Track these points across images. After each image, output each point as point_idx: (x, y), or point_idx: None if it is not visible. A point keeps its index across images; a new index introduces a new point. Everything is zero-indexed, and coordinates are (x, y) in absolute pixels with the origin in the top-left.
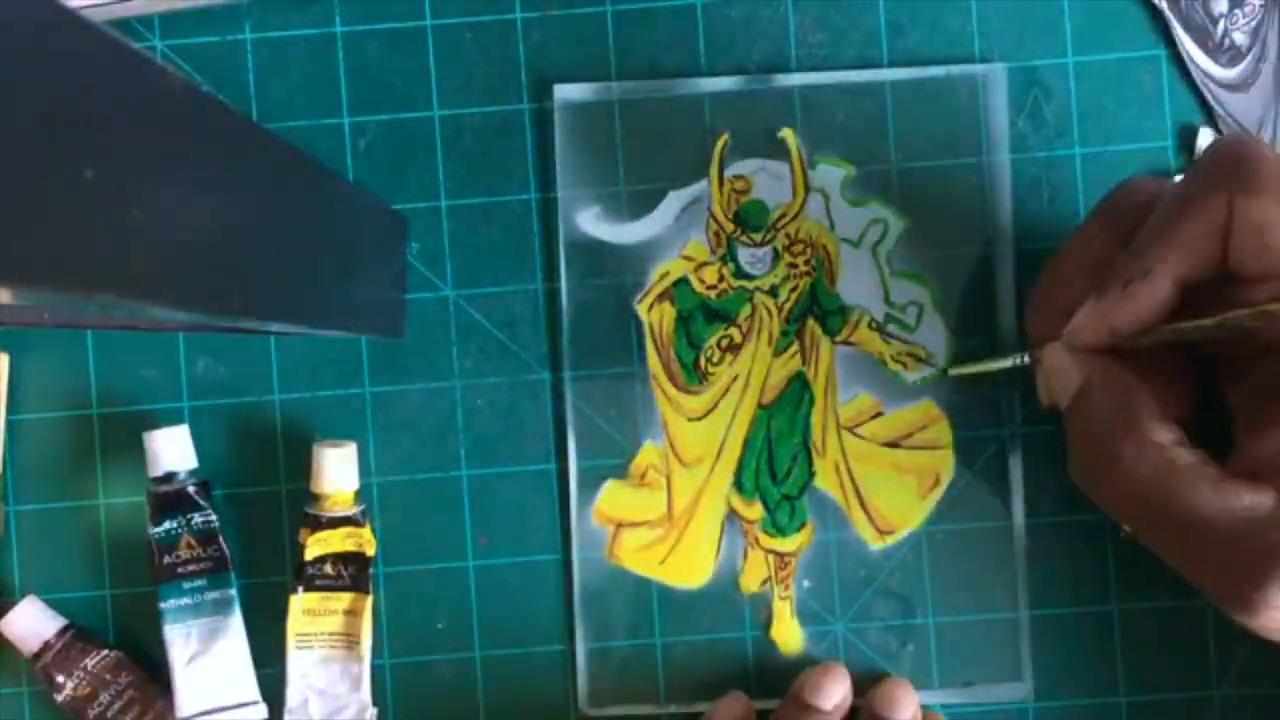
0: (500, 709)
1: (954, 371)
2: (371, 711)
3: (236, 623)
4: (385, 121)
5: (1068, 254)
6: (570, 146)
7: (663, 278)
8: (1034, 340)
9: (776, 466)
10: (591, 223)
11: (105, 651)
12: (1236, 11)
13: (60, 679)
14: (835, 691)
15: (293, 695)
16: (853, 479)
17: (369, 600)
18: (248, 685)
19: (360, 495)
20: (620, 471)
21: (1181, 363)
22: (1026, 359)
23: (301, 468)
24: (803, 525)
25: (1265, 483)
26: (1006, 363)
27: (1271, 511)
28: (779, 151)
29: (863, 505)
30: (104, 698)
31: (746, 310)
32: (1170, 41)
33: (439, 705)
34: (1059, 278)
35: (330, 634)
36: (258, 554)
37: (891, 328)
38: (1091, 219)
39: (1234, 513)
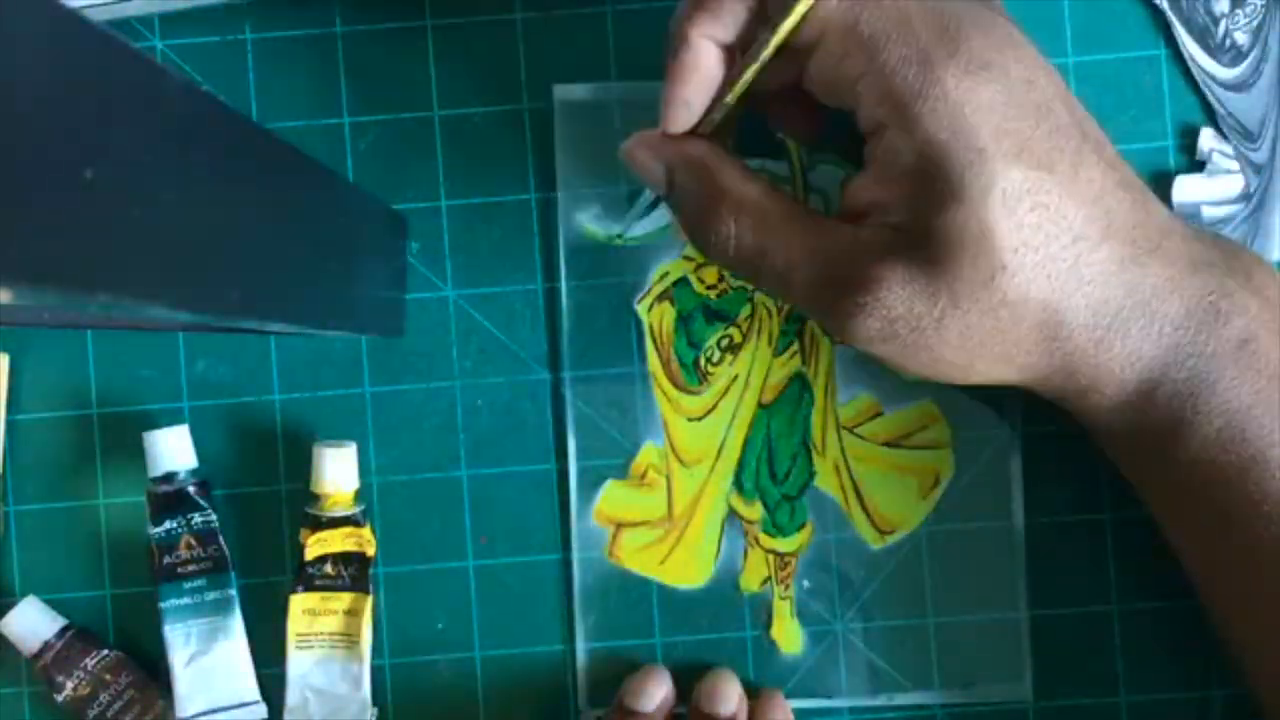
0: (500, 709)
1: (620, 234)
2: (371, 711)
3: (236, 623)
4: (385, 121)
5: None
6: (570, 146)
7: (663, 278)
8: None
9: (776, 466)
10: (591, 223)
11: (105, 651)
12: (1238, 11)
13: (60, 679)
14: (656, 693)
15: (293, 695)
16: (853, 479)
17: (369, 600)
18: (248, 685)
19: (360, 495)
20: (620, 471)
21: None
22: (649, 193)
23: (301, 468)
24: (803, 525)
25: (852, 219)
26: (642, 200)
27: (857, 243)
28: (779, 151)
29: (863, 505)
30: (104, 698)
31: (746, 310)
32: (1171, 41)
33: (439, 705)
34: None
35: (330, 634)
36: (258, 554)
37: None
38: None
39: (825, 250)
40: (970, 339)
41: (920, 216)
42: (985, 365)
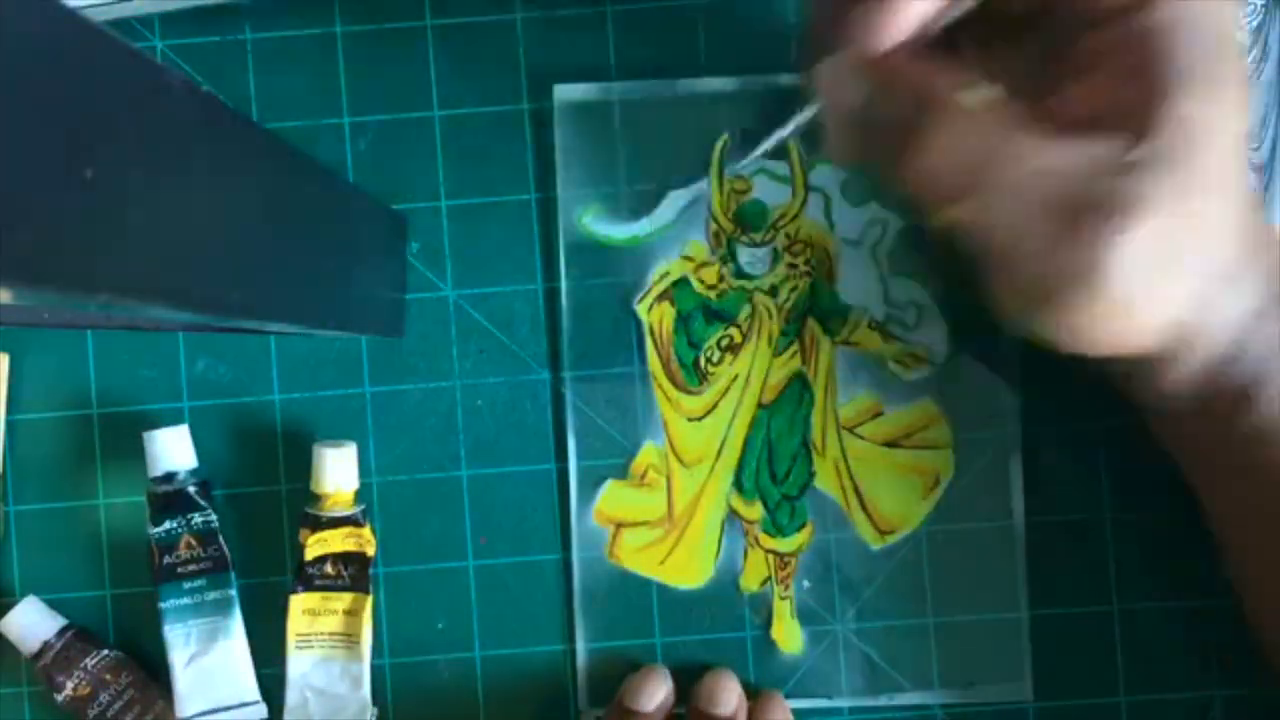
0: (500, 709)
1: (745, 164)
2: (371, 711)
3: (236, 623)
4: (385, 121)
5: None
6: (570, 146)
7: (663, 278)
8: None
9: (776, 466)
10: (591, 222)
11: (105, 651)
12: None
13: (60, 679)
14: (657, 694)
15: (292, 695)
16: (853, 479)
17: (369, 600)
18: (248, 685)
19: (360, 495)
20: (620, 471)
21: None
22: (809, 110)
23: (301, 468)
24: (803, 525)
25: (1085, 131)
26: (791, 126)
27: (1096, 164)
28: (779, 151)
29: (863, 505)
30: (104, 698)
31: (746, 310)
32: None
33: (439, 705)
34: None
35: (330, 634)
36: (258, 554)
37: (891, 328)
38: None
39: (1061, 172)
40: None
41: (1161, 107)
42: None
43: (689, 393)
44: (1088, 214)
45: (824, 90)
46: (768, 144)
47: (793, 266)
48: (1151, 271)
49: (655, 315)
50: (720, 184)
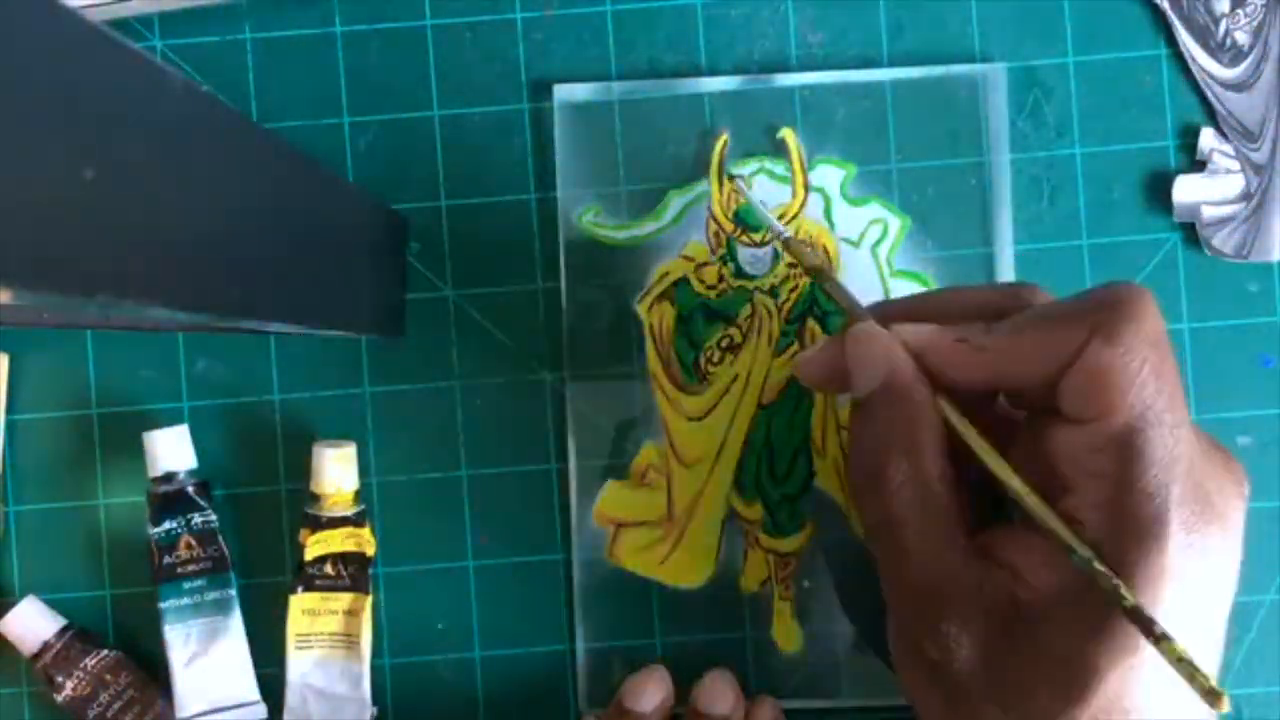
0: (500, 709)
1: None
2: (371, 711)
3: (236, 623)
4: (385, 121)
5: (952, 291)
6: (570, 146)
7: (663, 278)
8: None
9: (776, 467)
10: (591, 222)
11: (105, 651)
12: (1238, 11)
13: (60, 679)
14: (656, 693)
15: (292, 695)
16: None
17: (369, 600)
18: (248, 685)
19: (360, 495)
20: (620, 471)
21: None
22: (786, 234)
23: (301, 468)
24: (803, 525)
25: (988, 567)
26: (771, 223)
27: (964, 587)
28: (779, 151)
29: None
30: (104, 698)
31: (746, 310)
32: (1171, 41)
33: (439, 705)
34: (926, 297)
35: (330, 634)
36: (258, 554)
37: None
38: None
39: (939, 572)
40: None
41: (1138, 558)
42: None
43: (689, 393)
44: (922, 614)
45: (850, 351)
46: (767, 218)
47: (793, 266)
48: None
49: (655, 315)
50: (720, 184)
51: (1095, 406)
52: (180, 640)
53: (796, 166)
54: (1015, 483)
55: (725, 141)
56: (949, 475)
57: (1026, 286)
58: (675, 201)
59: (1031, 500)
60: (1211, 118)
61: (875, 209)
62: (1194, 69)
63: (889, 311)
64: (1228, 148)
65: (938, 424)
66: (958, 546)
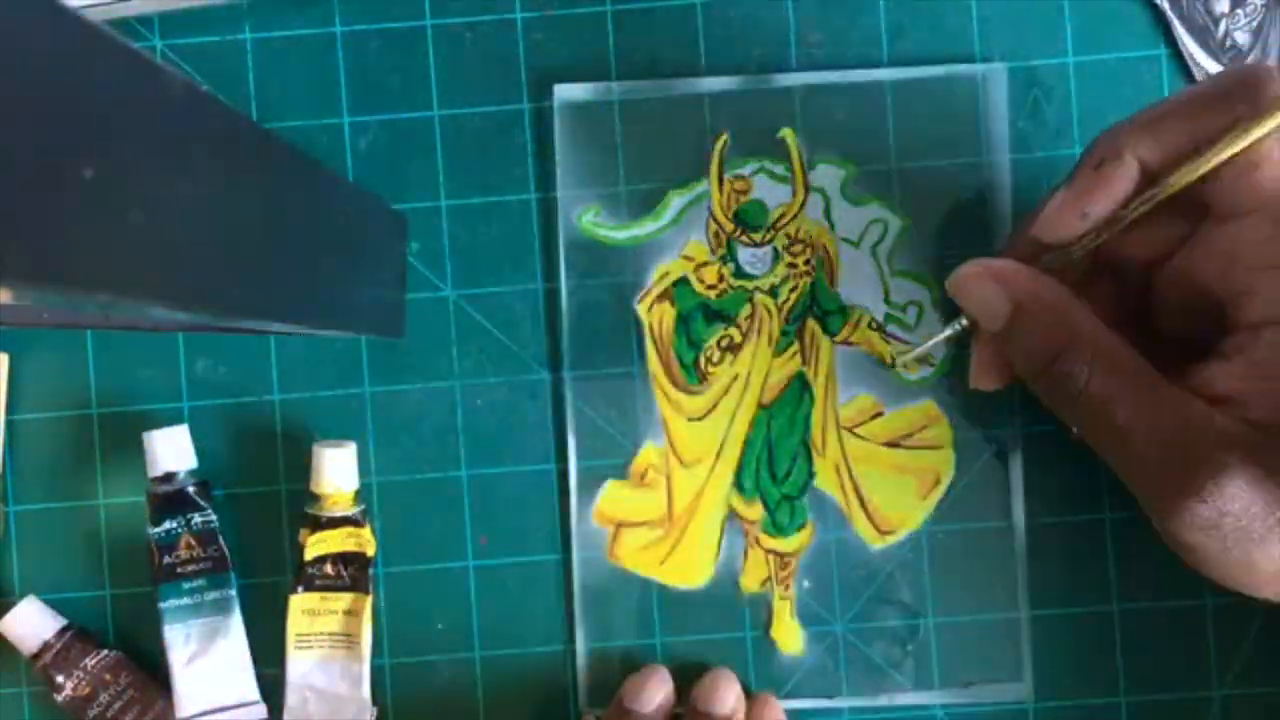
0: (500, 709)
1: (902, 361)
2: (371, 711)
3: (236, 623)
4: (385, 121)
5: (1035, 214)
6: (570, 146)
7: (663, 278)
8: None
9: (776, 466)
10: (591, 222)
11: (105, 651)
12: (1238, 11)
13: (60, 679)
14: (656, 693)
15: (292, 695)
16: (853, 479)
17: (369, 600)
18: (247, 685)
19: (360, 495)
20: (620, 471)
21: (1107, 291)
22: (965, 321)
23: (301, 468)
24: (803, 525)
25: (1209, 402)
26: (948, 331)
27: (1209, 427)
28: (779, 151)
29: (863, 505)
30: (104, 698)
31: (746, 310)
32: (1171, 41)
33: (439, 705)
34: (1022, 229)
35: (330, 634)
36: (258, 554)
37: (891, 328)
38: (1069, 175)
39: (1175, 426)
40: None
41: None
42: None
43: (689, 393)
44: (1181, 464)
45: (958, 292)
46: (923, 349)
47: (793, 266)
48: (1233, 535)
49: (655, 315)
50: (720, 184)
51: (1252, 197)
52: (180, 640)
53: (796, 166)
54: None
55: (725, 141)
56: (1126, 343)
57: (1104, 140)
58: (675, 201)
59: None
60: None
61: (875, 209)
62: (1194, 69)
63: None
64: None
65: (1088, 310)
66: (1177, 399)
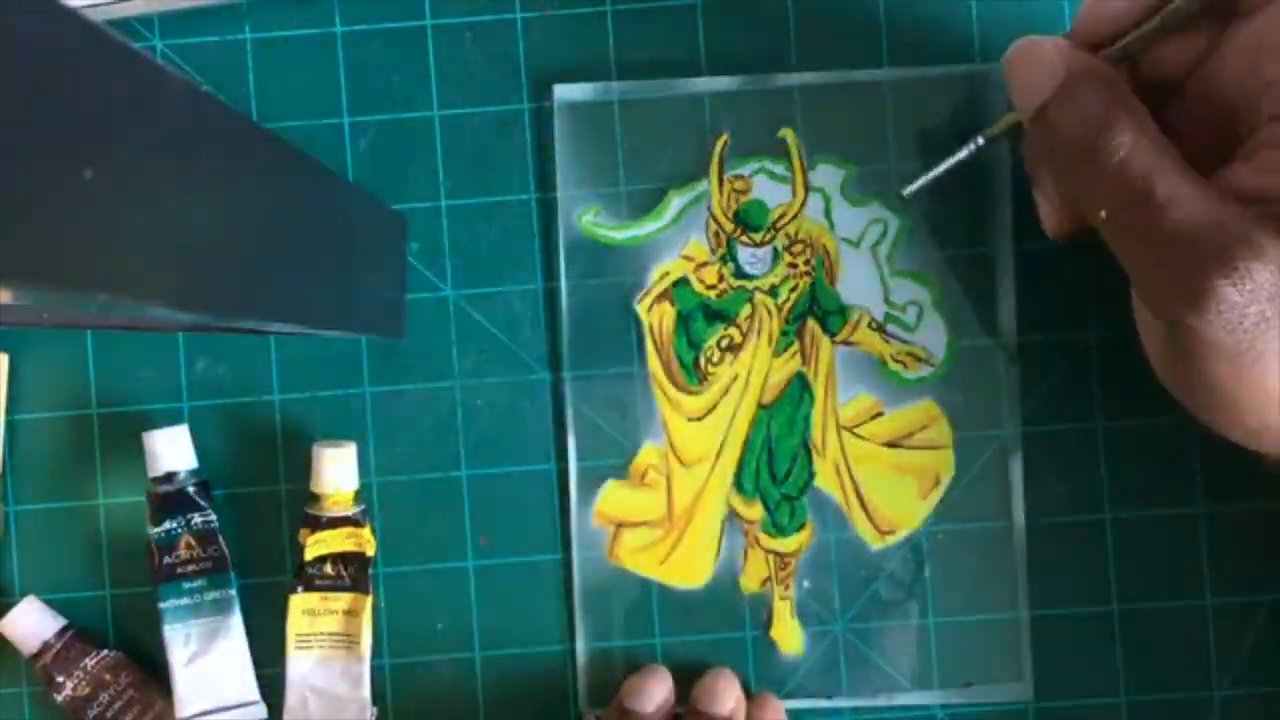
0: (500, 709)
1: (909, 191)
2: (371, 711)
3: (236, 623)
4: (385, 121)
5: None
6: (570, 146)
7: (663, 278)
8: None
9: (776, 466)
10: (591, 222)
11: (105, 651)
12: None
13: (60, 679)
14: (656, 693)
15: (292, 695)
16: (853, 479)
17: (369, 600)
18: (247, 685)
19: (360, 495)
20: (620, 471)
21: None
22: (982, 140)
23: (301, 468)
24: (803, 525)
25: (1243, 201)
26: (962, 153)
27: (1246, 215)
28: (779, 151)
29: (863, 505)
30: (104, 698)
31: (746, 310)
32: None
33: (439, 705)
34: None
35: (330, 634)
36: (258, 554)
37: (891, 328)
38: None
39: (1212, 209)
40: None
41: None
42: None
43: (689, 393)
44: (1214, 244)
45: (1016, 63)
46: (935, 173)
47: (793, 266)
48: (1256, 329)
49: (655, 315)
50: (720, 184)
51: None
52: (180, 640)
53: (796, 166)
54: None
55: (725, 141)
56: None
57: None
58: (675, 201)
59: None
60: None
61: (875, 209)
62: None
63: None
64: None
65: (1132, 94)
66: (1214, 183)
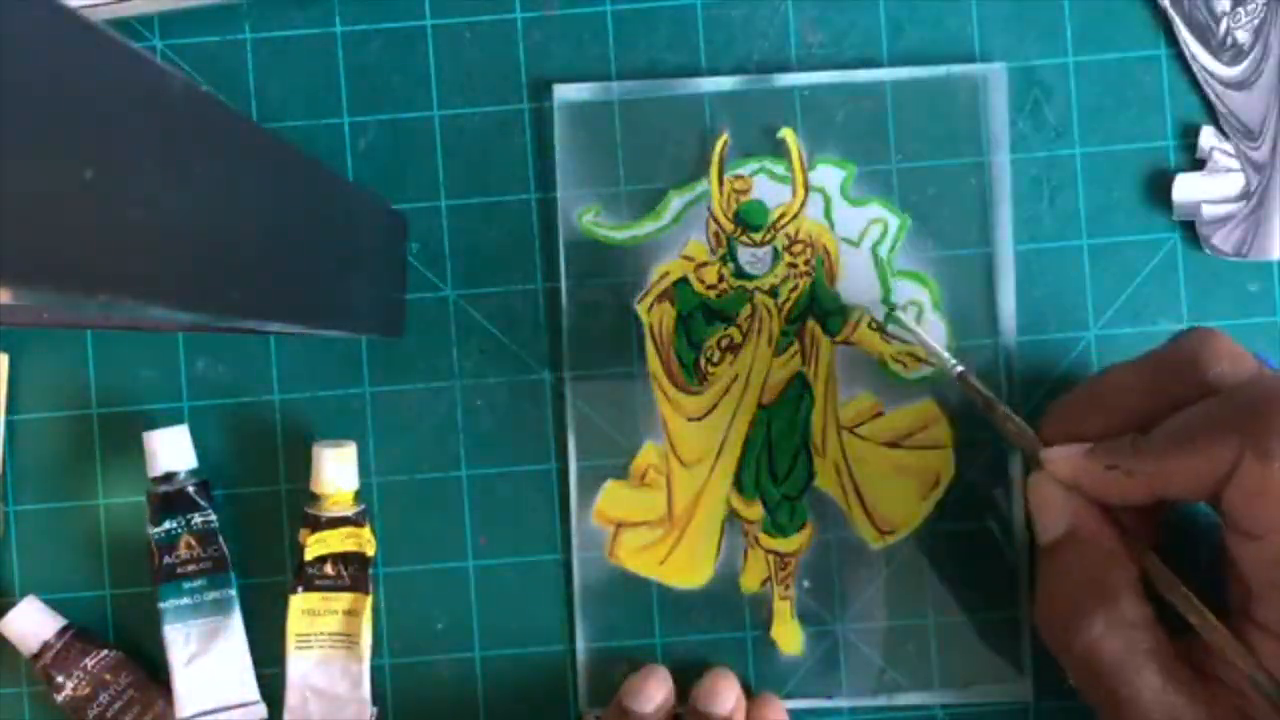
0: (500, 709)
1: (892, 325)
2: (371, 711)
3: (236, 623)
4: (385, 121)
5: (1100, 385)
6: (570, 146)
7: (663, 278)
8: (1041, 440)
9: (776, 466)
10: (591, 222)
11: (105, 651)
12: (1239, 9)
13: (60, 679)
14: (656, 693)
15: (292, 695)
16: (853, 479)
17: (369, 600)
18: (247, 685)
19: (360, 495)
20: (620, 471)
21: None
22: (960, 369)
23: (301, 468)
24: (803, 525)
25: (1210, 688)
26: (945, 361)
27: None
28: (779, 151)
29: (863, 505)
30: (104, 698)
31: (746, 310)
32: (1172, 40)
33: (439, 705)
34: (1079, 403)
35: (330, 634)
36: (258, 554)
37: (891, 328)
38: (1139, 362)
39: (1174, 710)
40: None
41: None
42: None
43: (689, 393)
44: None
45: (1031, 497)
46: (922, 339)
47: (793, 266)
48: None
49: (655, 315)
50: (720, 184)
51: (1263, 523)
52: (180, 640)
53: (796, 166)
54: (1215, 635)
55: (725, 141)
56: (1150, 616)
57: (1179, 345)
58: (675, 201)
59: (1222, 639)
60: (1212, 116)
61: (875, 209)
62: (1194, 68)
63: (1047, 431)
64: (1228, 146)
65: (1129, 565)
66: (1177, 681)
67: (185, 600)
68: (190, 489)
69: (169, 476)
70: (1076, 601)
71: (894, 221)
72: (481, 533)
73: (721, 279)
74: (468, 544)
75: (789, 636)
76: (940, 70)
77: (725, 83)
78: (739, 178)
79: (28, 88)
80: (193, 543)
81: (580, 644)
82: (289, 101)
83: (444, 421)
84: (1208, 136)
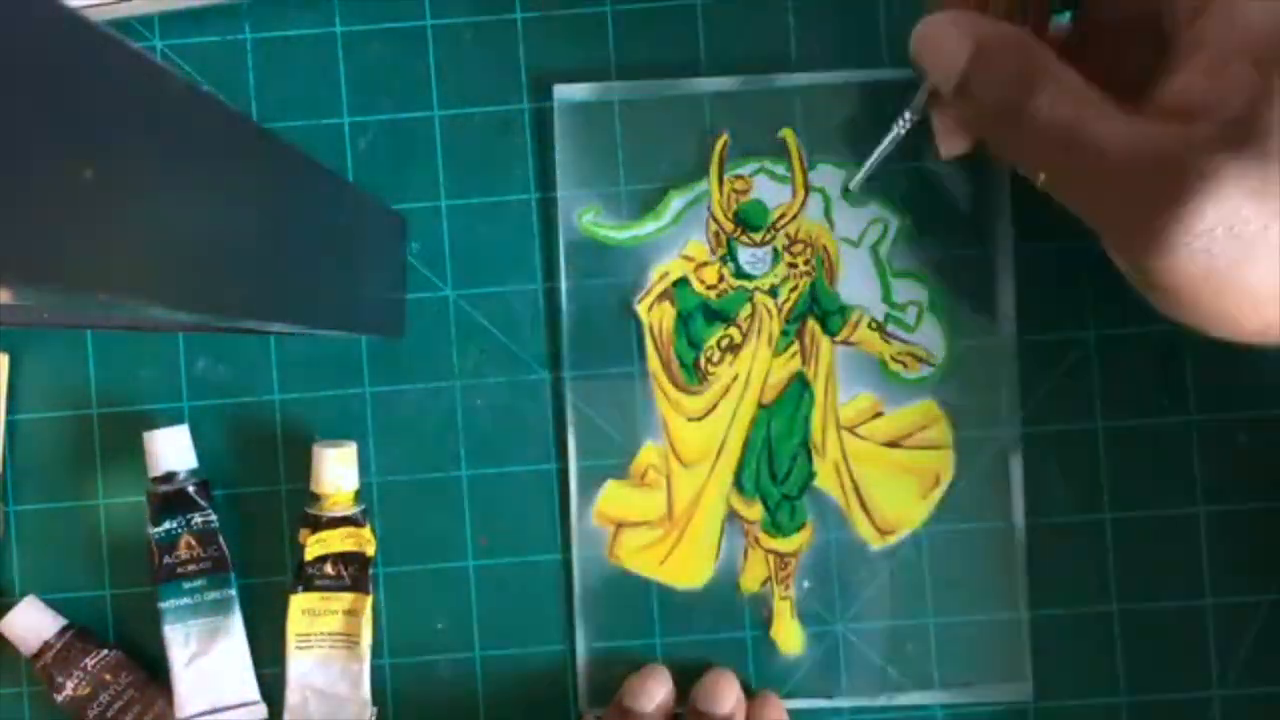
0: (500, 709)
1: (854, 184)
2: (371, 711)
3: (236, 623)
4: (385, 121)
5: None
6: (570, 146)
7: (663, 278)
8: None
9: (776, 466)
10: (591, 222)
11: (105, 651)
12: None
13: (60, 679)
14: (656, 693)
15: (292, 695)
16: (853, 479)
17: (369, 600)
18: (248, 685)
19: (360, 495)
20: (620, 471)
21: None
22: (909, 115)
23: (301, 468)
24: (803, 525)
25: (1182, 119)
26: (891, 133)
27: (1188, 138)
28: (779, 151)
29: (863, 505)
30: (104, 698)
31: (746, 310)
32: None
33: (439, 705)
34: None
35: (330, 634)
36: (258, 554)
37: (891, 328)
38: None
39: (1151, 139)
40: None
41: (1262, 105)
42: None
43: (689, 393)
44: (1162, 181)
45: (923, 44)
46: (872, 159)
47: (793, 266)
48: (1228, 250)
49: (655, 315)
50: (720, 184)
51: None
52: (180, 640)
53: (796, 166)
54: None
55: (725, 141)
56: (1082, 78)
57: None
58: (675, 201)
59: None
60: None
61: (875, 209)
62: None
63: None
64: None
65: (1043, 45)
66: (1147, 113)
67: (185, 600)
68: (190, 489)
69: (169, 476)
70: (1010, 98)
71: (894, 221)
72: (481, 533)
73: (721, 279)
74: (468, 544)
75: (789, 636)
76: None
77: (725, 83)
78: (739, 178)
79: (28, 88)
80: (193, 543)
81: (580, 644)
82: (289, 101)
83: (444, 421)
84: None
